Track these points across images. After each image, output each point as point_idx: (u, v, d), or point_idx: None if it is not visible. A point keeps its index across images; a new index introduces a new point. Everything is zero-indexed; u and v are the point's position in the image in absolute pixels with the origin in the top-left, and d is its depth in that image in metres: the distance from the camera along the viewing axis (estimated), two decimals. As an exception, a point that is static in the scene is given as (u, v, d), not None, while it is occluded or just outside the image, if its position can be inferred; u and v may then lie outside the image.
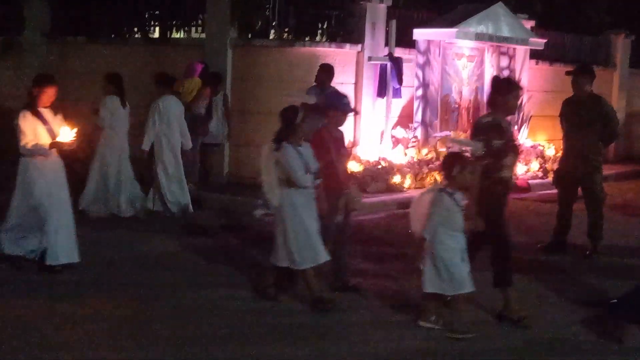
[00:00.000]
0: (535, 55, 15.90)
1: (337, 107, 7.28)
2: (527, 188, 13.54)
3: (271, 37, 12.96)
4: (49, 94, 7.45)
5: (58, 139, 7.35)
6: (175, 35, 14.05)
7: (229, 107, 12.06)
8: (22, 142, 7.33)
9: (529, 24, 15.53)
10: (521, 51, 15.36)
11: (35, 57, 14.45)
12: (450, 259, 6.19)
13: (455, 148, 7.52)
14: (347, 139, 12.31)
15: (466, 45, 14.21)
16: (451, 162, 6.33)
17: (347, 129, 12.38)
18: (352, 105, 8.24)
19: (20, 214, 7.51)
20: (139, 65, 13.17)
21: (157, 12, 14.26)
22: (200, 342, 5.88)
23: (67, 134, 7.35)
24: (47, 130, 7.38)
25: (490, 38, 14.02)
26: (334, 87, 11.03)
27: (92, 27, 14.07)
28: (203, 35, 13.20)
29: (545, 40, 15.19)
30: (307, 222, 6.72)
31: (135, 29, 14.28)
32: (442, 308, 6.42)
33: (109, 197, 10.16)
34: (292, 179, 6.65)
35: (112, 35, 14.04)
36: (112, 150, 10.20)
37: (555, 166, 10.09)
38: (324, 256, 6.76)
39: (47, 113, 7.45)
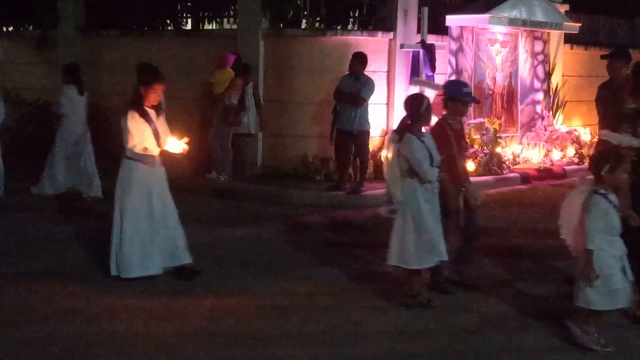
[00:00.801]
0: (569, 39, 15.70)
1: (456, 96, 6.82)
2: (563, 174, 13.43)
3: (303, 26, 12.94)
4: (157, 92, 6.90)
5: (167, 148, 6.84)
6: (208, 26, 14.10)
7: (259, 97, 12.09)
8: (130, 145, 6.82)
9: (563, 8, 15.33)
10: (555, 35, 15.18)
11: (69, 51, 14.60)
12: (610, 268, 5.56)
13: (614, 142, 6.56)
14: (380, 127, 12.47)
15: (499, 31, 14.08)
16: (602, 161, 5.67)
17: (379, 117, 12.44)
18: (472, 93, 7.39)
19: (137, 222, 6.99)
20: (172, 57, 13.25)
21: (189, 4, 14.33)
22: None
23: (175, 144, 6.88)
24: (153, 131, 6.86)
25: (523, 23, 13.86)
26: (367, 75, 11.05)
27: (125, 20, 14.17)
28: (235, 26, 13.24)
29: (579, 24, 14.99)
30: (428, 219, 6.31)
31: (168, 21, 14.36)
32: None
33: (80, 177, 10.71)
34: (417, 172, 6.25)
35: (145, 28, 14.13)
36: (72, 135, 10.68)
37: (592, 152, 9.96)
38: (439, 258, 6.42)
39: (152, 113, 6.93)
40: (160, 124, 6.96)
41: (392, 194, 6.38)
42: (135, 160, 6.89)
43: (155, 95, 6.88)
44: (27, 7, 14.93)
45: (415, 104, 6.44)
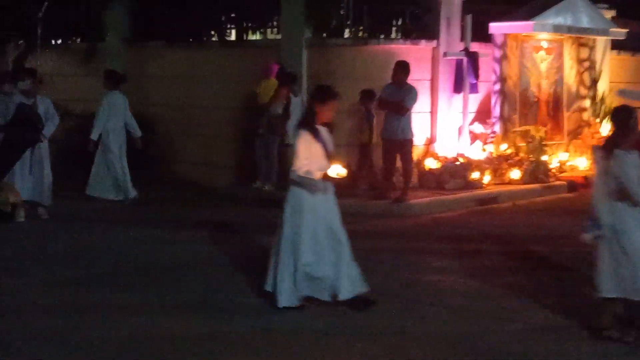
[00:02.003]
0: (616, 45, 15.49)
1: None
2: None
3: (346, 35, 12.97)
4: (331, 110, 6.59)
5: (329, 173, 6.43)
6: (252, 37, 14.21)
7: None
8: (295, 167, 6.45)
9: (609, 14, 15.15)
10: (602, 42, 14.99)
11: (116, 62, 14.78)
12: None
13: None
14: (424, 135, 12.43)
15: (544, 38, 13.96)
16: None
17: (423, 125, 12.40)
18: None
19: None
20: (216, 68, 13.37)
21: (233, 15, 14.45)
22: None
23: (337, 170, 6.50)
24: (323, 149, 6.48)
25: (569, 30, 13.72)
26: (409, 84, 11.04)
27: (171, 31, 14.33)
28: (278, 36, 13.31)
29: (626, 30, 14.79)
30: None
31: (212, 32, 14.49)
32: None
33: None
34: (628, 193, 5.69)
35: (190, 39, 14.28)
36: None
37: None
38: None
39: (323, 131, 6.56)
40: (330, 141, 6.60)
41: (597, 215, 5.85)
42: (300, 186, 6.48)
43: (328, 113, 6.57)
44: (75, 20, 15.18)
45: (622, 116, 5.86)
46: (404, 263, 8.21)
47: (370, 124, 11.54)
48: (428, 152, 12.48)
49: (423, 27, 12.89)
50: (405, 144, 10.99)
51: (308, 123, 6.52)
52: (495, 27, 13.18)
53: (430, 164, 12.15)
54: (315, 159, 6.43)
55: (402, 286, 7.35)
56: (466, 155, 12.47)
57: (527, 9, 13.44)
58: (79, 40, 15.96)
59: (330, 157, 6.51)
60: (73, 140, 13.36)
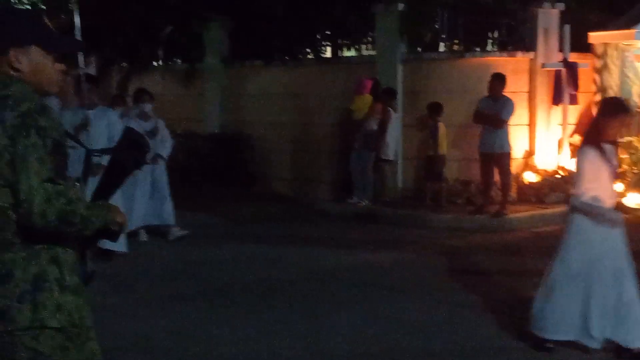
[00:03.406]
0: None
1: None
2: None
3: (441, 49, 12.93)
4: (620, 125, 5.69)
5: (626, 202, 5.69)
6: (346, 53, 14.33)
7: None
8: (578, 191, 5.51)
9: None
10: None
11: (215, 82, 15.19)
12: None
13: None
14: (523, 148, 12.26)
15: (646, 46, 13.56)
16: None
17: (522, 138, 12.24)
18: None
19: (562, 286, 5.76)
20: (312, 85, 13.55)
21: (328, 32, 14.61)
22: None
23: (638, 200, 5.64)
24: (610, 172, 5.54)
25: (673, 37, 13.29)
26: (506, 96, 10.91)
27: (267, 50, 14.61)
28: (373, 52, 13.38)
29: None
30: None
31: (308, 50, 14.69)
32: None
33: None
34: None
35: (286, 57, 14.51)
36: None
37: None
38: None
39: (610, 150, 5.59)
40: (615, 160, 5.69)
41: None
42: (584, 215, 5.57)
43: (617, 128, 5.65)
44: (176, 41, 15.66)
45: None
46: (502, 280, 8.09)
47: (435, 137, 11.53)
48: (527, 165, 12.30)
49: (519, 39, 12.73)
50: (502, 157, 10.87)
51: (594, 140, 5.54)
52: (595, 37, 12.88)
53: (530, 177, 11.97)
54: (603, 183, 5.53)
55: (499, 305, 7.27)
56: (567, 168, 12.22)
57: (628, 18, 13.08)
58: (179, 61, 16.46)
59: (616, 176, 5.64)
60: (177, 159, 13.83)
